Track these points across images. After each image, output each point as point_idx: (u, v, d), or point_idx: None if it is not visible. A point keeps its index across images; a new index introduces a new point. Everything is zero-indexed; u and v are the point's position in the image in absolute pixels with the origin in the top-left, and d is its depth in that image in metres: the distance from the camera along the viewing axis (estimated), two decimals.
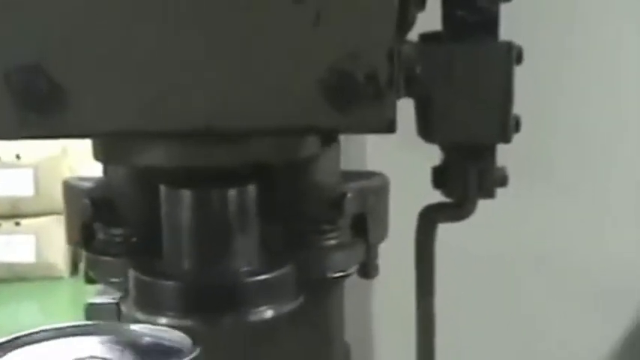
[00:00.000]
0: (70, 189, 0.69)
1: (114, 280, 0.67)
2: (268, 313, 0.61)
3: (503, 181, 0.73)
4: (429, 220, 0.75)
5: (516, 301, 1.59)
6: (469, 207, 0.73)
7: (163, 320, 0.60)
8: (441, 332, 0.78)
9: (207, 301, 0.60)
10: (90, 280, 0.69)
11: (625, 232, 1.61)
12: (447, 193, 0.73)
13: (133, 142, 0.60)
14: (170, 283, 0.61)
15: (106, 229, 0.67)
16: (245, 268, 0.62)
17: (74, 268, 3.50)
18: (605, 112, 1.54)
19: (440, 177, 0.73)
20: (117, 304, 0.66)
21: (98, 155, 0.64)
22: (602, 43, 1.51)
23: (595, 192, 1.58)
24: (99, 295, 0.86)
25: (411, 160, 0.95)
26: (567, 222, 1.58)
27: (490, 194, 0.72)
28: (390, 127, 0.56)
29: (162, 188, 0.62)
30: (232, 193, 0.61)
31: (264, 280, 0.61)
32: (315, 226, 0.66)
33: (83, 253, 0.68)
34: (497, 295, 1.58)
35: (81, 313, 1.03)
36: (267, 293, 0.61)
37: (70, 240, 0.69)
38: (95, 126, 0.57)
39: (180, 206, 0.61)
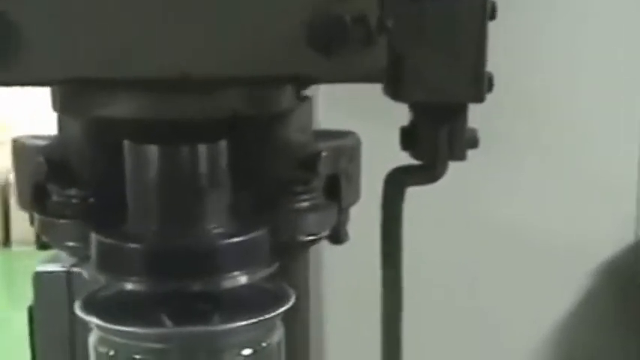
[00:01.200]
0: (22, 148, 0.64)
1: (70, 244, 0.62)
2: (242, 279, 0.57)
3: (474, 143, 0.70)
4: (396, 183, 0.72)
5: (474, 265, 1.60)
6: (440, 169, 0.70)
7: (129, 285, 0.56)
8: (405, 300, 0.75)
9: (176, 265, 0.56)
10: (43, 246, 0.64)
11: (579, 202, 1.62)
12: (415, 155, 0.70)
13: (100, 92, 0.56)
14: (137, 246, 0.56)
15: (61, 190, 0.62)
16: (217, 230, 0.58)
17: (6, 239, 3.41)
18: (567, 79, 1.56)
19: (408, 138, 0.70)
20: (67, 272, 0.62)
21: (58, 107, 0.59)
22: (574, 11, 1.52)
23: (550, 162, 1.60)
24: (47, 263, 0.82)
25: (376, 120, 0.92)
26: (523, 191, 1.60)
27: (461, 156, 0.70)
28: (381, 75, 0.53)
29: (127, 144, 0.58)
30: (203, 148, 0.57)
31: (239, 243, 0.57)
32: (288, 187, 0.62)
33: (36, 217, 0.63)
34: (460, 260, 1.59)
35: (12, 284, 0.98)
36: (241, 257, 0.57)
37: (22, 203, 0.64)
38: (58, 73, 0.53)
39: (147, 163, 0.57)
